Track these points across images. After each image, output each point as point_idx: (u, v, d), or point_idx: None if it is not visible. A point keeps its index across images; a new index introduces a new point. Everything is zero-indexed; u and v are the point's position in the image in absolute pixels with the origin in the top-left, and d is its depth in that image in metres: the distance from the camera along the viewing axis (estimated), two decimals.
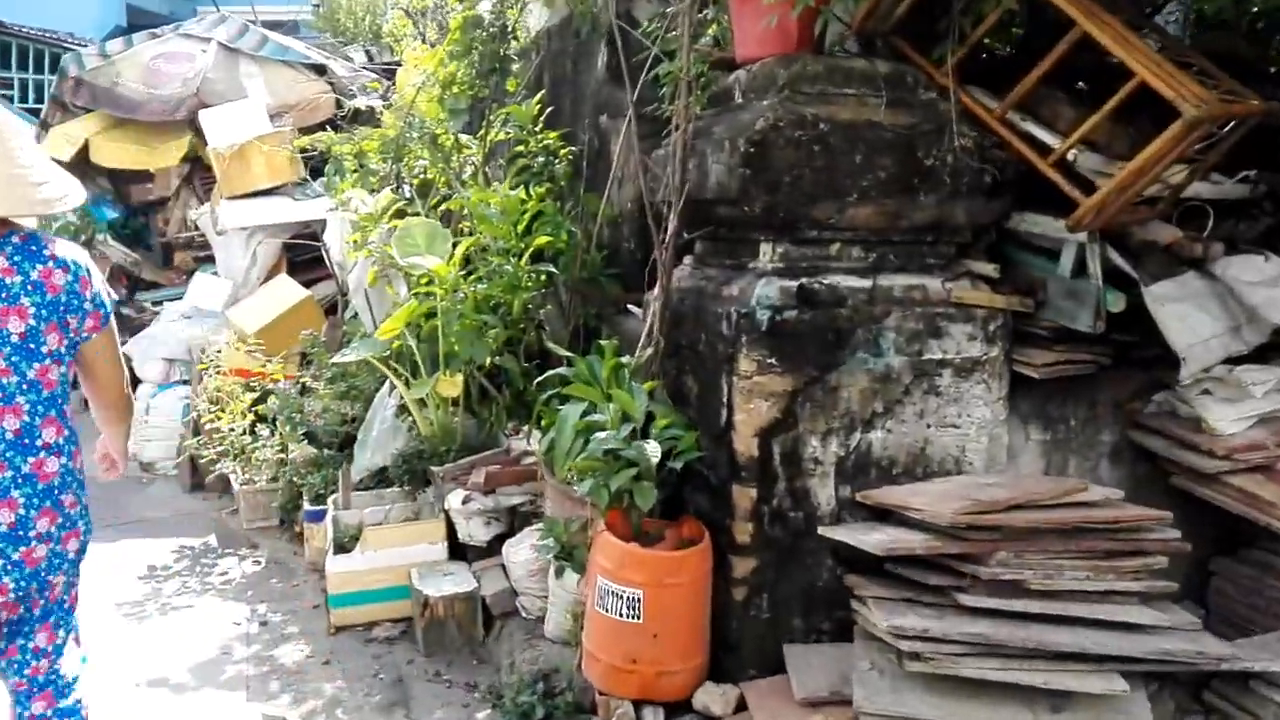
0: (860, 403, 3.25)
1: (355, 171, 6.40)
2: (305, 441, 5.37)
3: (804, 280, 3.22)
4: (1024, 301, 3.36)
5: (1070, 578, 2.95)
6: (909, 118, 3.25)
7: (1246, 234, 3.33)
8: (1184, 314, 3.15)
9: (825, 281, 3.24)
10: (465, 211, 5.31)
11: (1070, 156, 3.12)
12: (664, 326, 3.53)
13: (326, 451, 5.49)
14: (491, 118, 6.22)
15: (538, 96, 5.28)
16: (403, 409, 4.97)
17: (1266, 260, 3.23)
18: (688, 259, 3.89)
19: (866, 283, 3.28)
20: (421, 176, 6.33)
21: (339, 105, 8.71)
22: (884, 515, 3.27)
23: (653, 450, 3.01)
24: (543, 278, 4.56)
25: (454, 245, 4.46)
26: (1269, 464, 3.34)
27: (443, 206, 6.09)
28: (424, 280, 4.64)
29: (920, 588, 3.01)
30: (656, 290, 3.54)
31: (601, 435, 3.15)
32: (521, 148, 5.29)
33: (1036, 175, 3.28)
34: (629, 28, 4.83)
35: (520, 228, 4.51)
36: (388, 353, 4.46)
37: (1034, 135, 3.25)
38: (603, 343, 3.84)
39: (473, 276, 4.38)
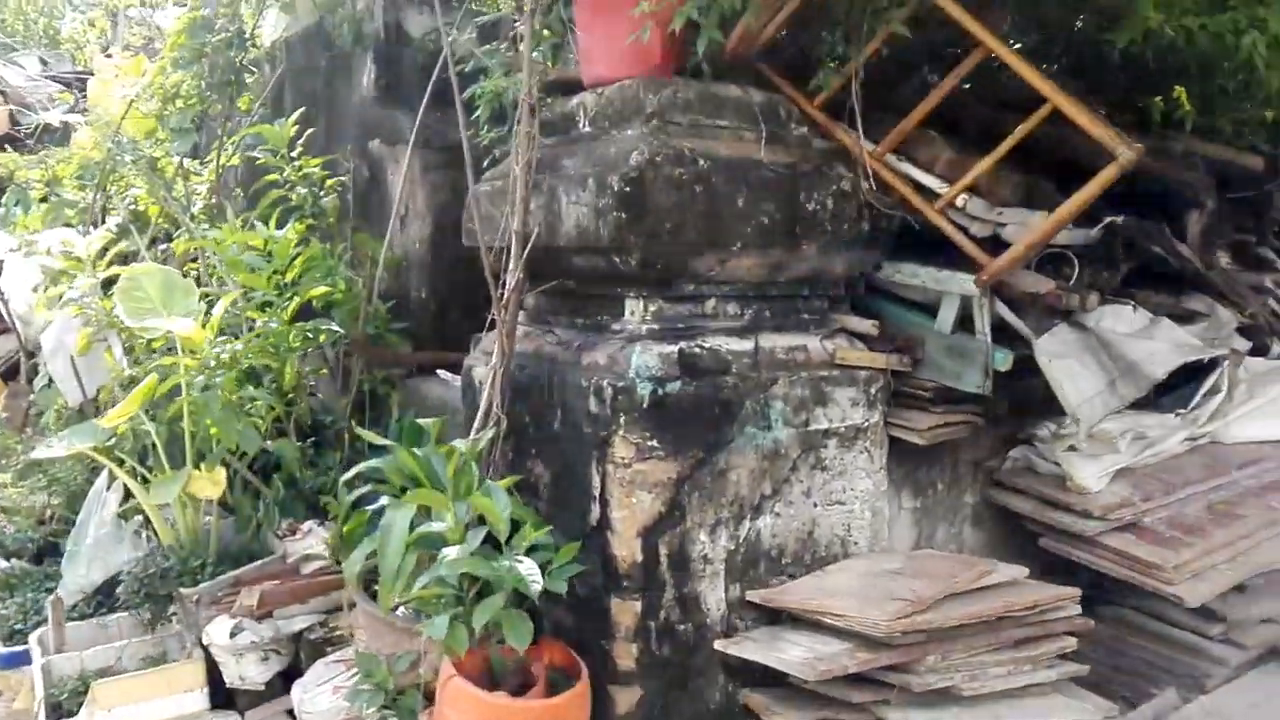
0: (750, 485, 2.78)
1: (44, 202, 5.15)
2: None
3: (683, 344, 2.71)
4: (903, 360, 3.05)
5: (995, 675, 2.63)
6: (786, 155, 2.84)
7: (1110, 283, 3.23)
8: (1071, 370, 2.97)
9: (706, 345, 2.75)
10: (199, 255, 4.32)
11: (960, 202, 2.85)
12: (504, 402, 2.87)
13: (18, 564, 4.25)
14: (225, 140, 5.24)
15: (293, 116, 4.40)
16: (131, 507, 3.90)
17: (1135, 310, 3.14)
18: (522, 314, 3.26)
19: (748, 344, 2.82)
20: (133, 209, 5.21)
21: (14, 122, 7.16)
22: (775, 615, 2.82)
23: (530, 571, 2.35)
24: (321, 336, 3.72)
25: (204, 301, 3.52)
26: (1136, 520, 3.25)
27: (166, 247, 5.03)
28: (156, 345, 3.65)
29: (836, 704, 2.57)
30: (494, 355, 2.88)
31: (450, 553, 2.44)
32: (274, 176, 4.39)
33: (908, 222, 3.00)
34: (416, 39, 4.14)
35: (290, 276, 3.65)
36: (111, 440, 3.42)
37: (912, 178, 2.95)
38: (420, 421, 3.12)
39: (228, 341, 3.46)
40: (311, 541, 3.63)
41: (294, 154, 4.38)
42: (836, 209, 2.87)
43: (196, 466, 3.26)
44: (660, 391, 2.60)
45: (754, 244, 2.73)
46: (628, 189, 2.52)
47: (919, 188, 2.91)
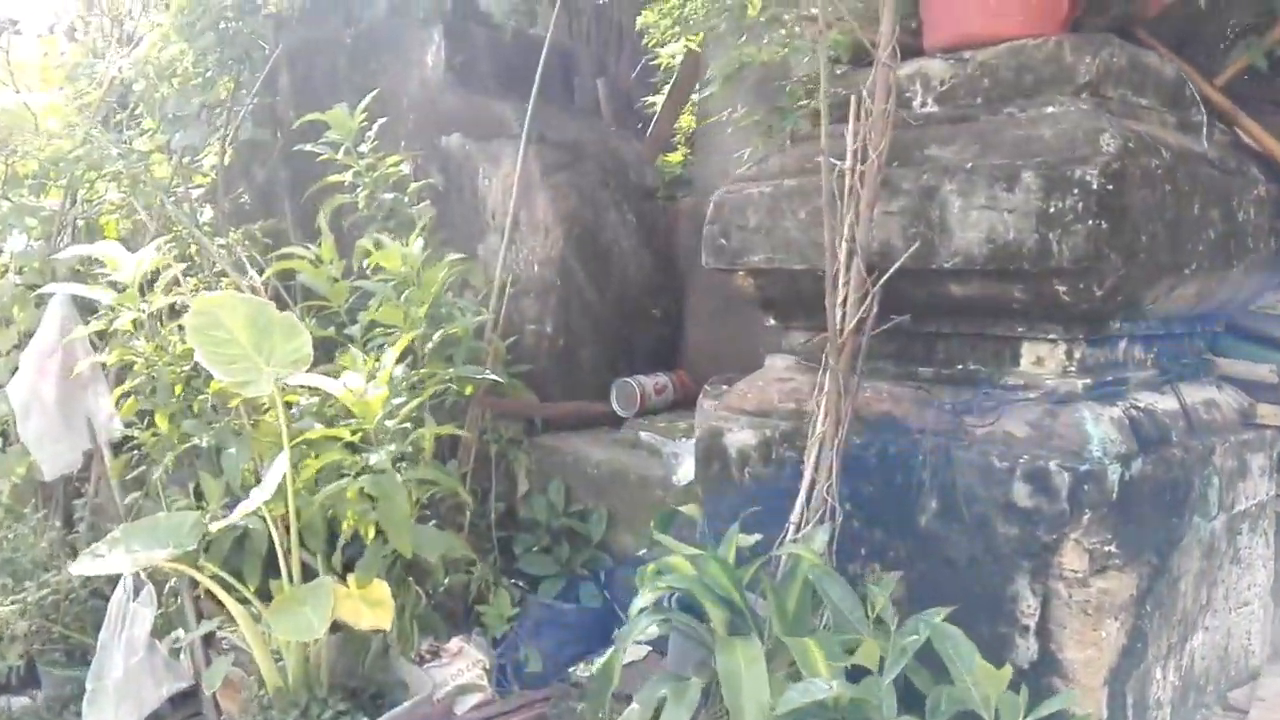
0: (1192, 594, 2.05)
1: None
2: None
3: (1120, 405, 1.95)
4: None
5: None
6: (1213, 149, 2.14)
7: None
8: None
9: (1139, 405, 2.00)
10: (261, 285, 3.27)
11: None
12: (835, 486, 2.03)
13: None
14: (227, 131, 4.19)
15: (363, 102, 3.40)
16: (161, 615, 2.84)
17: None
18: (780, 359, 2.44)
19: (1172, 402, 2.09)
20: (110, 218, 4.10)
21: None
22: None
23: None
24: (467, 389, 2.77)
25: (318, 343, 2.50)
26: None
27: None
28: (234, 404, 2.63)
29: None
30: (820, 419, 2.05)
31: None
32: (338, 178, 3.40)
33: None
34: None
35: (424, 308, 2.68)
36: (192, 548, 2.36)
37: None
38: (685, 509, 2.25)
39: (406, 402, 2.45)
40: (462, 666, 2.68)
41: (363, 149, 3.40)
42: (1257, 220, 2.18)
43: (348, 583, 2.26)
44: (1127, 475, 1.83)
45: (1202, 264, 2.00)
46: (1109, 187, 1.75)
47: None
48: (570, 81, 4.12)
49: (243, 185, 4.75)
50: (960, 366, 2.10)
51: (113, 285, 2.62)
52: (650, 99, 5.00)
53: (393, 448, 2.20)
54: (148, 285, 2.68)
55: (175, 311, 2.87)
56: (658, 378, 3.34)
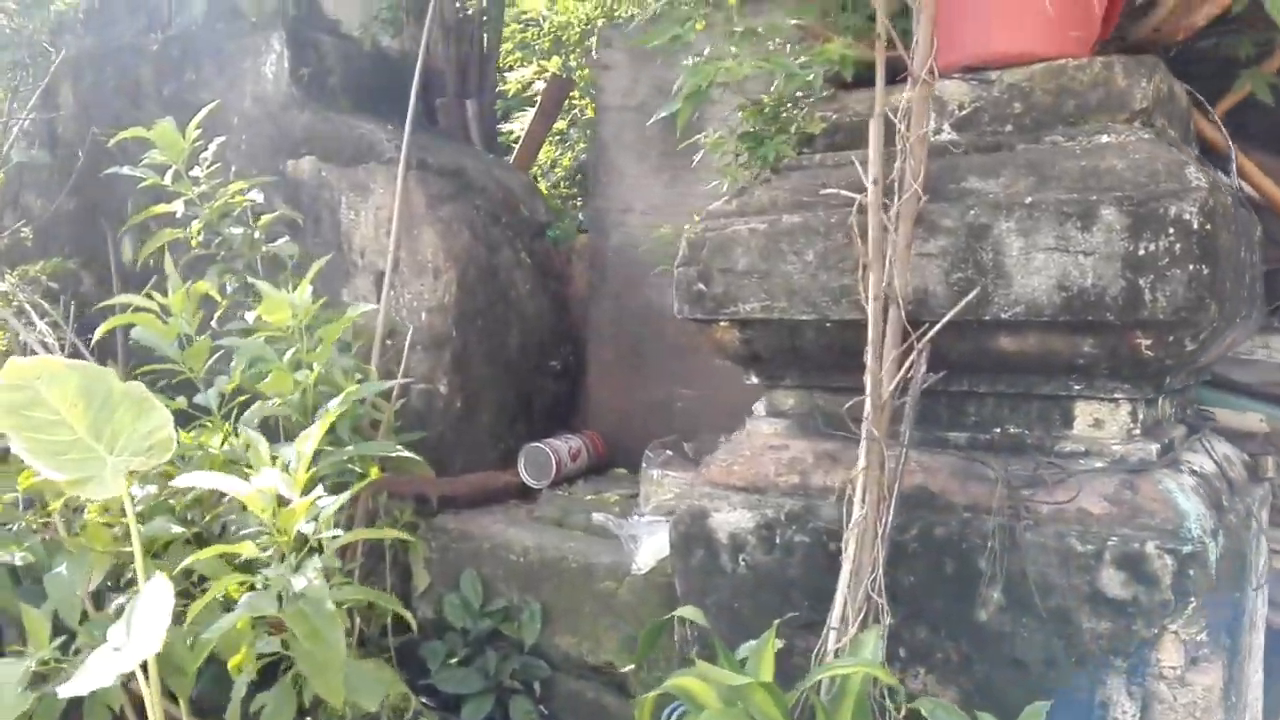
0: (1250, 674, 1.87)
1: None
2: None
3: (1184, 470, 1.75)
4: None
5: None
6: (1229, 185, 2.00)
7: None
8: None
9: (1195, 468, 1.81)
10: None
11: None
12: (881, 578, 1.70)
13: None
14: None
15: (198, 117, 2.78)
16: None
17: None
18: (766, 423, 2.10)
19: (1209, 462, 1.92)
20: None
21: None
22: None
23: None
24: (372, 470, 2.22)
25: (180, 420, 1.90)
26: None
27: None
28: (53, 507, 1.97)
29: None
30: (859, 501, 1.71)
31: None
32: (162, 208, 2.78)
33: None
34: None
35: (315, 376, 2.13)
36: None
37: None
38: (685, 613, 1.84)
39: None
40: None
41: (199, 173, 2.79)
42: (1258, 262, 2.07)
43: None
44: (1218, 552, 1.62)
45: (1249, 312, 1.85)
46: (1208, 226, 1.53)
47: None
48: (432, 103, 3.64)
49: (14, 218, 3.97)
50: (999, 430, 1.83)
51: None
52: (507, 127, 4.59)
53: (319, 564, 1.65)
54: None
55: None
56: (570, 441, 2.91)
